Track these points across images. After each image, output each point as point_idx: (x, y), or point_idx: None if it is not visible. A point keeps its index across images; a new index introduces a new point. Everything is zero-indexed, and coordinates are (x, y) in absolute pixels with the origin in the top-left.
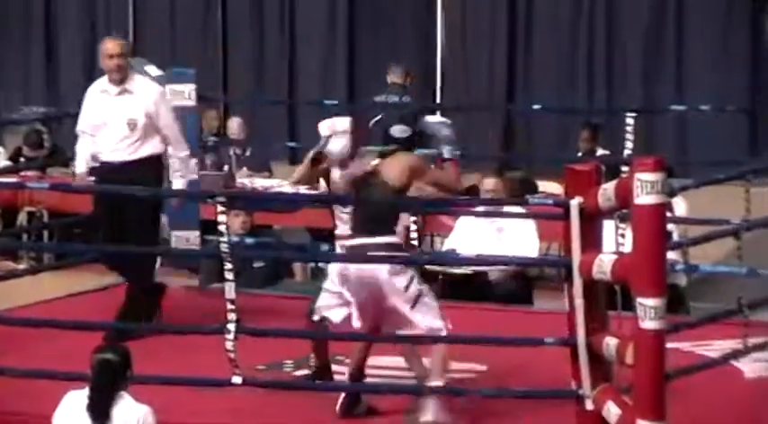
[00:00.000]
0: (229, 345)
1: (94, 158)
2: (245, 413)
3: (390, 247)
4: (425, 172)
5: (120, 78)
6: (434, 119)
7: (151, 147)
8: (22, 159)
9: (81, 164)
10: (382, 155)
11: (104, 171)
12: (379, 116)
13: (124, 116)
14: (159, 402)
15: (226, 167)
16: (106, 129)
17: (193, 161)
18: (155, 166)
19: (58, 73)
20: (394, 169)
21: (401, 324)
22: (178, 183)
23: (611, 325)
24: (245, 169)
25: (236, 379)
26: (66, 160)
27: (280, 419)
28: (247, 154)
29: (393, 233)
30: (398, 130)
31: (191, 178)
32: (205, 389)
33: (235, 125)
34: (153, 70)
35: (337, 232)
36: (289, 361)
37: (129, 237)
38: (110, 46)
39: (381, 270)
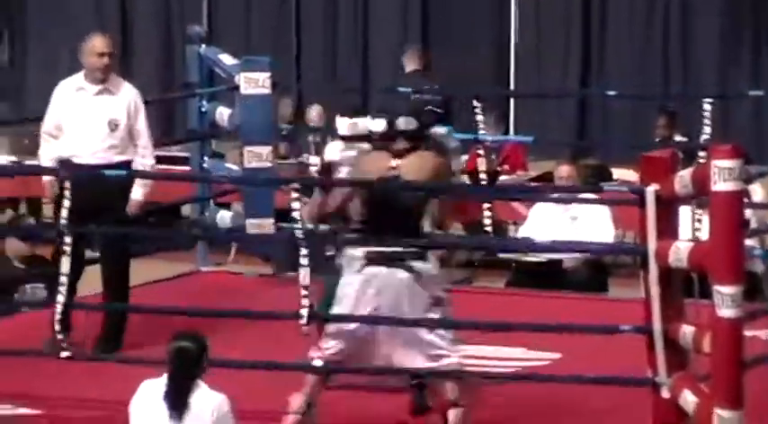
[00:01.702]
0: (305, 329)
1: (61, 162)
2: (322, 401)
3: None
4: (449, 178)
5: (104, 77)
6: (442, 130)
7: (131, 152)
8: None
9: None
10: (398, 154)
11: (82, 174)
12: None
13: (105, 116)
14: (235, 390)
15: (305, 155)
16: (83, 130)
17: (268, 148)
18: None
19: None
20: (418, 172)
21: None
22: (138, 193)
23: (688, 313)
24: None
25: (317, 361)
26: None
27: (359, 408)
28: (327, 141)
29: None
30: (404, 122)
31: (148, 190)
32: (280, 379)
33: (314, 113)
34: (228, 59)
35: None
36: None
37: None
38: (100, 43)
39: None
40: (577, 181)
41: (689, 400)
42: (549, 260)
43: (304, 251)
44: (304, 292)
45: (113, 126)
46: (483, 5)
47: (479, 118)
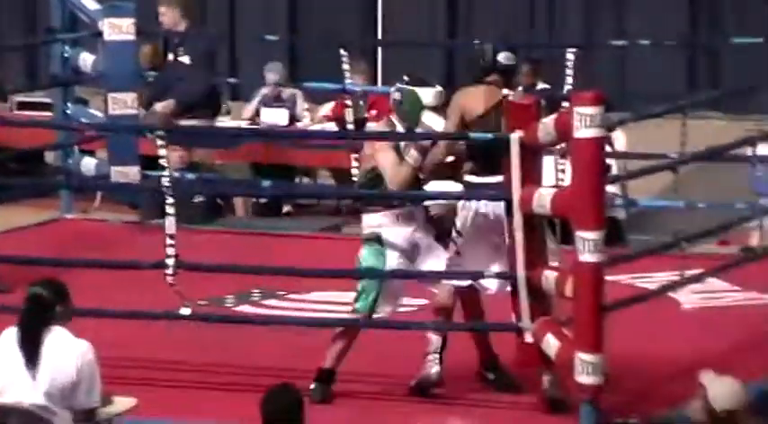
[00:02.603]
0: (170, 279)
1: None
2: (189, 346)
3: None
4: None
5: None
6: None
7: None
8: None
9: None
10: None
11: None
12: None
13: None
14: (101, 338)
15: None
16: None
17: (133, 95)
18: None
19: None
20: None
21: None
22: None
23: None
24: None
25: (185, 310)
26: (4, 93)
27: (224, 354)
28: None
29: None
30: (506, 57)
31: None
32: (146, 328)
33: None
34: (91, 3)
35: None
36: (229, 296)
37: None
38: None
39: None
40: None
41: (551, 344)
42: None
43: (170, 200)
44: (170, 241)
45: None
46: None
47: (346, 67)
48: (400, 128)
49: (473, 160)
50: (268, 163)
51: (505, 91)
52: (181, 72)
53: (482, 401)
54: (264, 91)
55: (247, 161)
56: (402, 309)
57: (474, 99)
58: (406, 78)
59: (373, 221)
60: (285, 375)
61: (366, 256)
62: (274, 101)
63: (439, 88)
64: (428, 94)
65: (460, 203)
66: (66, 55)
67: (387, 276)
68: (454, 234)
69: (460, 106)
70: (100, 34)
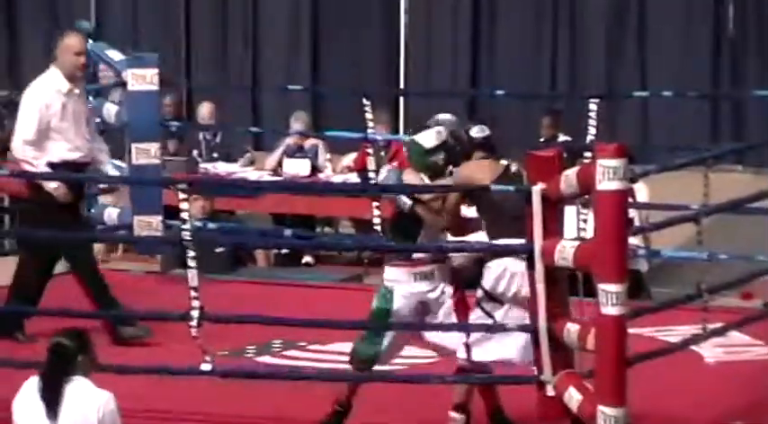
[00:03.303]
0: (194, 332)
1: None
2: (211, 401)
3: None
4: None
5: (82, 76)
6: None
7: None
8: None
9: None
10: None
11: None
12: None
13: (86, 114)
14: (123, 389)
15: (195, 152)
16: (72, 130)
17: (156, 145)
18: None
19: (20, 57)
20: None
21: None
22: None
23: (573, 311)
24: (215, 155)
25: (206, 366)
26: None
27: (247, 406)
28: (217, 140)
29: None
30: (478, 130)
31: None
32: (168, 379)
33: (205, 110)
34: (115, 55)
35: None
36: (251, 347)
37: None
38: (78, 42)
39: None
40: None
41: (573, 397)
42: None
43: (191, 253)
44: (194, 294)
45: (90, 122)
46: (373, 3)
47: (368, 117)
48: (425, 178)
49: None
50: (290, 213)
51: (504, 162)
52: None
53: None
54: (288, 141)
55: (269, 211)
56: (417, 361)
57: (480, 170)
58: (410, 130)
59: (390, 275)
60: None
61: (375, 301)
62: (297, 151)
63: (438, 128)
64: (427, 138)
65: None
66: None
67: (407, 328)
68: (480, 293)
69: (466, 178)
70: (124, 85)
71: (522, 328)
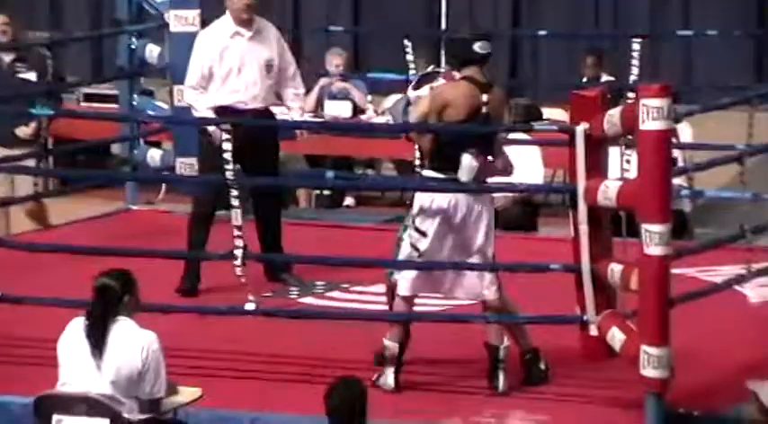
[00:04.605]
0: (238, 271)
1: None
2: (254, 338)
3: None
4: None
5: (250, 18)
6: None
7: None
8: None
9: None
10: (485, 88)
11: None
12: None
13: (261, 58)
14: (166, 329)
15: None
16: (241, 75)
17: None
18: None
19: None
20: (500, 107)
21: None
22: (296, 115)
23: (616, 251)
24: None
25: (249, 305)
26: (71, 86)
27: (289, 347)
28: None
29: None
30: (482, 46)
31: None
32: (211, 317)
33: None
34: None
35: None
36: (293, 288)
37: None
38: None
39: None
40: (509, 120)
41: (617, 337)
42: None
43: (234, 192)
44: (237, 233)
45: (269, 67)
46: None
47: (410, 58)
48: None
49: (439, 155)
50: (329, 154)
51: (484, 97)
52: None
53: (551, 393)
54: (322, 82)
55: (308, 152)
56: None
57: (454, 106)
58: None
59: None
60: (349, 366)
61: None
62: (335, 93)
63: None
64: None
65: (419, 199)
66: (132, 47)
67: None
68: (413, 231)
69: (443, 103)
70: (166, 26)
71: (567, 268)
